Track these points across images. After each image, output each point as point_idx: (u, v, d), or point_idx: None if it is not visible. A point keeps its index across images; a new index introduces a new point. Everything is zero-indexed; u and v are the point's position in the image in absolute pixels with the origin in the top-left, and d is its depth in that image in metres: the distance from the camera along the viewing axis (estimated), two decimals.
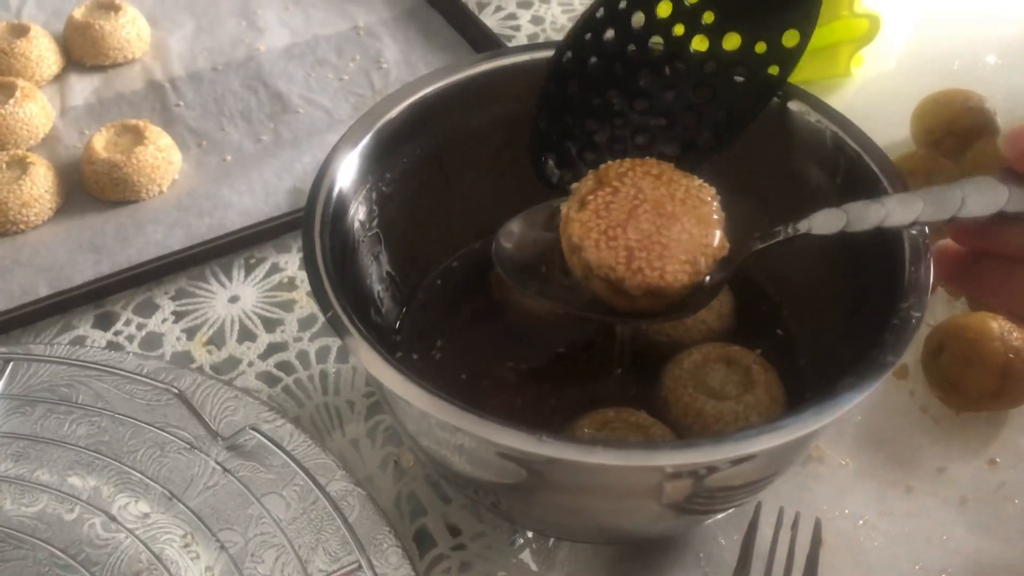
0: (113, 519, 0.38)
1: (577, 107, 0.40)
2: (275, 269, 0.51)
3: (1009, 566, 0.39)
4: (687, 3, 0.38)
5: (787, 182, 0.40)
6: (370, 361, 0.30)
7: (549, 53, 0.41)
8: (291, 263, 0.51)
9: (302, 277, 0.50)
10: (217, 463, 0.39)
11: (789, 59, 0.38)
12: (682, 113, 0.40)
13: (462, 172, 0.44)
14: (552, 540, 0.39)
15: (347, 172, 0.38)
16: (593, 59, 0.39)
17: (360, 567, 0.35)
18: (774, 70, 0.38)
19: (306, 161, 0.55)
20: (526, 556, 0.39)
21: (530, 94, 0.40)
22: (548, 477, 0.30)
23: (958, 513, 0.40)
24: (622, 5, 0.38)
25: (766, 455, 0.30)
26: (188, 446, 0.40)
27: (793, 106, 0.39)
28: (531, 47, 0.45)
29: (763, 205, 0.41)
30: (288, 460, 0.38)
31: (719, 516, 0.38)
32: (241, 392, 0.42)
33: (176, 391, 0.40)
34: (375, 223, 0.40)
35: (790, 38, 0.37)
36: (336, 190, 0.37)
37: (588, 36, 0.38)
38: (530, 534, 0.39)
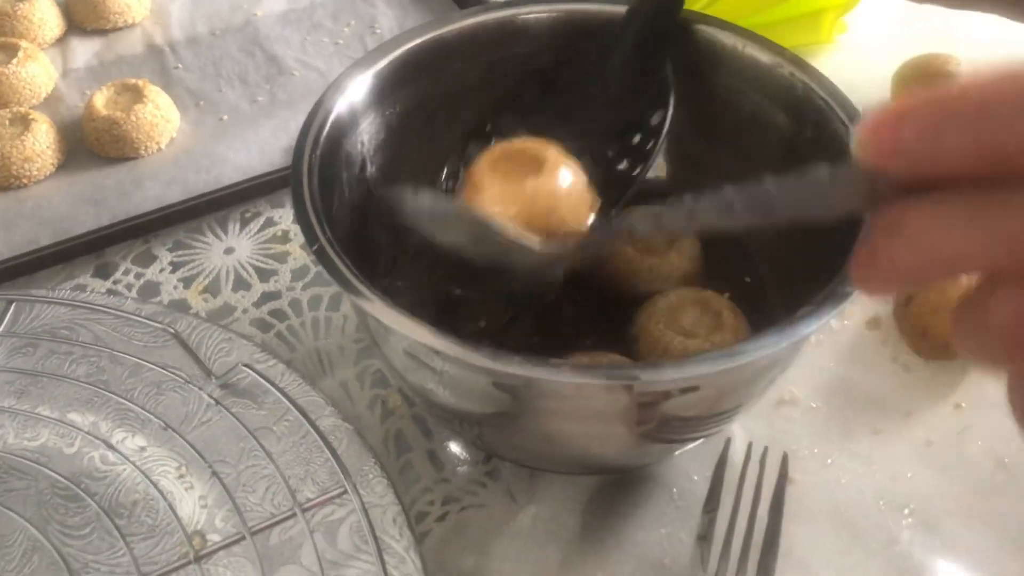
0: (112, 448, 0.40)
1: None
2: (270, 223, 0.52)
3: (969, 504, 0.40)
4: None
5: (761, 133, 0.42)
6: (359, 293, 0.32)
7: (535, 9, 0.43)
8: (285, 217, 0.53)
9: (296, 231, 0.52)
10: (211, 399, 0.41)
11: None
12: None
13: (448, 124, 0.45)
14: (531, 473, 0.41)
15: (340, 114, 0.39)
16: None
17: (346, 492, 0.36)
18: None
19: (300, 120, 0.57)
20: (506, 488, 0.41)
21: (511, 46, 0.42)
22: (524, 401, 0.32)
23: (923, 454, 0.42)
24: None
25: (723, 381, 0.31)
26: (183, 383, 0.42)
27: (766, 59, 0.41)
28: (511, 3, 0.46)
29: (739, 155, 0.43)
30: (280, 396, 0.40)
31: (689, 447, 0.40)
32: (235, 335, 0.44)
33: (172, 331, 0.42)
34: (368, 166, 0.41)
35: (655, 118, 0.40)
36: (325, 133, 0.38)
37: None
38: (510, 468, 0.41)
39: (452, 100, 0.44)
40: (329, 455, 0.38)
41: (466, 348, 0.29)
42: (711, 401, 0.33)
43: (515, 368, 0.29)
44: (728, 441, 0.41)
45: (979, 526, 0.40)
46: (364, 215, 0.41)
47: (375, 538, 0.35)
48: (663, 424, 0.33)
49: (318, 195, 0.36)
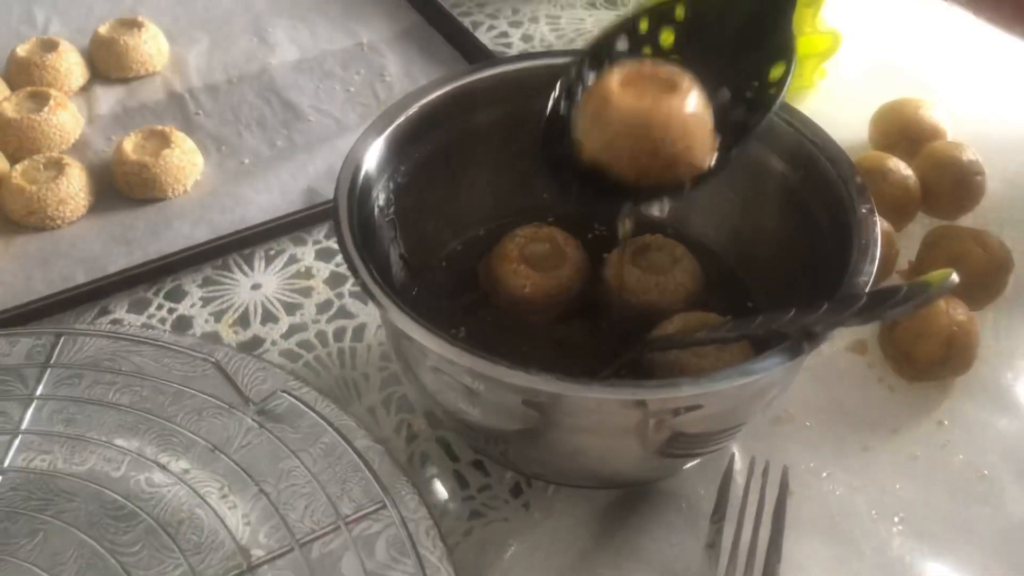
0: (158, 471, 0.43)
1: None
2: (293, 260, 0.55)
3: (953, 513, 0.44)
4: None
5: (760, 176, 0.46)
6: (400, 318, 0.35)
7: (543, 61, 0.47)
8: (307, 254, 0.56)
9: (318, 267, 0.55)
10: (251, 423, 0.44)
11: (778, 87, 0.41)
12: None
13: (466, 168, 0.49)
14: (551, 489, 0.44)
15: (369, 163, 0.43)
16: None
17: (384, 506, 0.39)
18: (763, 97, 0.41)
19: (318, 164, 0.60)
20: (527, 504, 0.44)
21: (526, 97, 0.46)
22: (552, 417, 0.35)
23: (909, 468, 0.46)
24: (643, 24, 0.43)
25: (734, 396, 0.35)
26: (223, 409, 0.44)
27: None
28: (527, 56, 0.50)
29: (736, 194, 0.47)
30: (317, 418, 0.43)
31: (695, 462, 0.43)
32: (268, 364, 0.47)
33: (213, 360, 0.45)
34: (391, 210, 0.45)
35: (777, 70, 0.41)
36: (361, 178, 0.42)
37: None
38: (531, 484, 0.44)
39: (471, 144, 0.48)
40: (366, 472, 0.41)
41: (504, 367, 0.33)
42: (721, 417, 0.37)
43: (549, 385, 0.32)
44: (731, 457, 0.44)
45: (963, 533, 0.43)
46: (389, 251, 0.45)
47: (415, 548, 0.38)
48: (678, 438, 0.37)
49: (357, 233, 0.39)
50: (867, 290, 0.35)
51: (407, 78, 0.68)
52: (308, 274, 0.55)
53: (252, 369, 0.46)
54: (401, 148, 0.45)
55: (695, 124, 0.37)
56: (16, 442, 0.44)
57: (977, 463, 0.46)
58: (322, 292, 0.54)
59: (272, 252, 0.56)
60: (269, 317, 0.52)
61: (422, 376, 0.40)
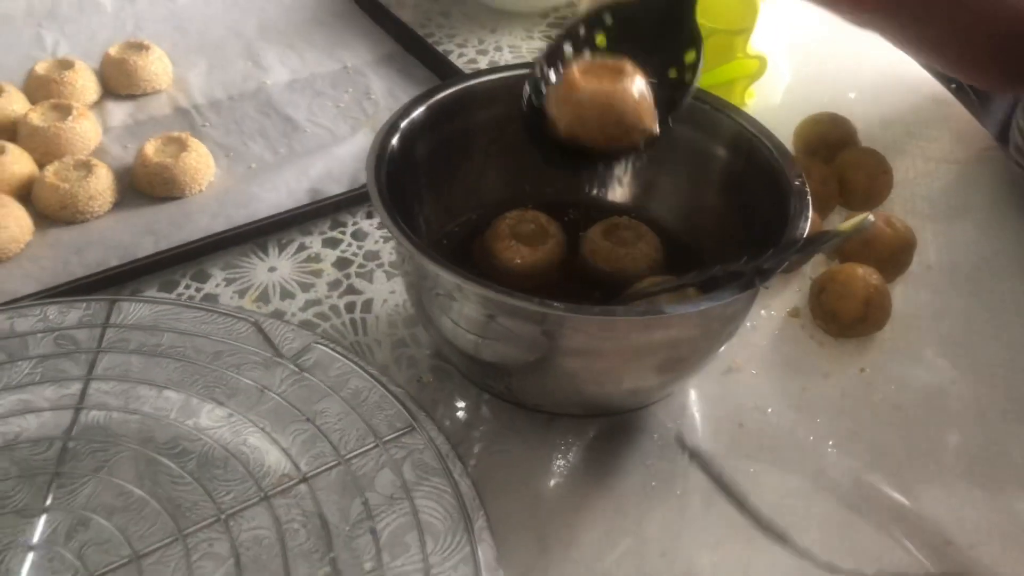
0: (208, 414, 0.49)
1: None
2: (302, 247, 0.63)
3: (874, 435, 0.53)
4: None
5: (705, 163, 0.55)
6: (435, 262, 0.43)
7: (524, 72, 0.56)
8: (315, 243, 0.63)
9: (325, 253, 0.62)
10: (288, 371, 0.51)
11: (692, 70, 0.53)
12: None
13: (460, 161, 0.57)
14: (545, 423, 0.52)
15: (388, 150, 0.51)
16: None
17: (415, 428, 0.47)
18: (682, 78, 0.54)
19: (318, 167, 0.68)
20: (525, 438, 0.51)
21: (508, 103, 0.55)
22: (559, 340, 0.43)
23: (838, 403, 0.55)
24: (581, 30, 0.53)
25: (704, 319, 0.44)
26: (260, 363, 0.51)
27: (712, 109, 0.54)
28: (512, 67, 0.59)
29: (689, 181, 0.56)
30: (345, 367, 0.50)
31: (666, 395, 0.52)
32: (295, 326, 0.54)
33: (252, 321, 0.52)
34: (405, 192, 0.53)
35: (689, 56, 0.53)
36: (385, 163, 0.50)
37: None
38: (527, 421, 0.52)
39: (464, 141, 0.57)
40: (395, 403, 0.48)
41: (529, 301, 0.41)
42: (693, 342, 0.45)
43: (565, 311, 0.40)
44: (689, 395, 0.53)
45: (883, 452, 0.52)
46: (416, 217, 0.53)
47: (444, 462, 0.45)
48: (663, 359, 0.45)
49: (388, 199, 0.47)
50: (804, 236, 0.45)
51: (391, 96, 0.76)
52: (317, 259, 0.62)
53: (283, 331, 0.53)
54: (411, 142, 0.53)
55: (643, 98, 0.50)
56: (89, 387, 0.50)
57: (892, 399, 0.55)
58: (331, 273, 0.61)
59: (284, 241, 0.63)
60: (287, 294, 0.59)
61: (441, 320, 0.47)
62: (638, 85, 0.50)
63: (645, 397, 0.51)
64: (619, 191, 0.60)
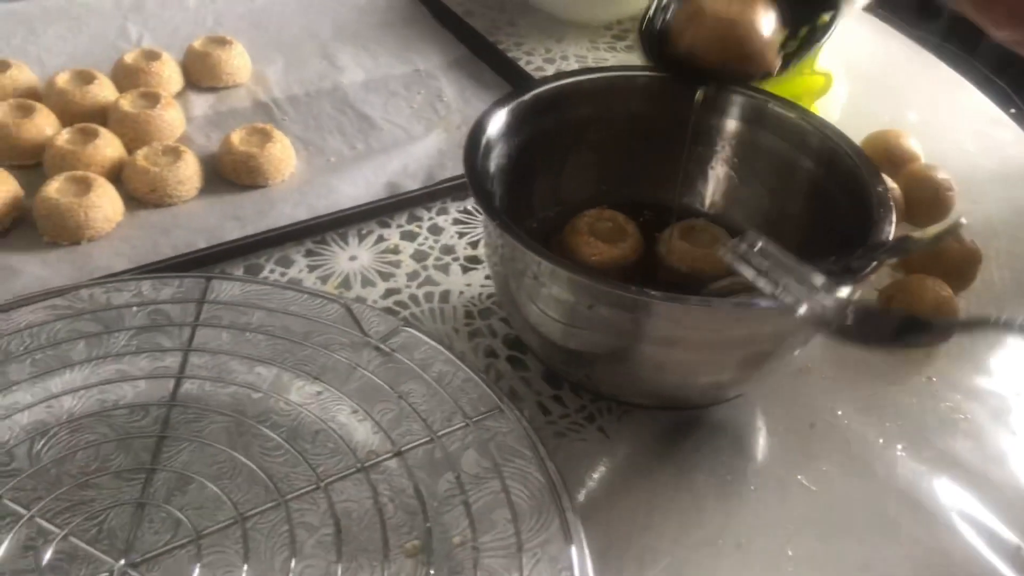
0: (299, 390, 0.51)
1: None
2: (381, 239, 0.65)
3: (943, 443, 0.54)
4: None
5: (788, 172, 0.57)
6: (535, 249, 0.44)
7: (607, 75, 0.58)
8: (393, 235, 0.65)
9: (403, 245, 0.64)
10: (376, 351, 0.52)
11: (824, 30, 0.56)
12: None
13: (543, 161, 0.59)
14: (619, 416, 0.53)
15: (481, 147, 0.52)
16: None
17: (501, 410, 0.48)
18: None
19: (395, 163, 0.70)
20: (601, 427, 0.53)
21: (592, 106, 0.57)
22: (648, 329, 0.45)
23: (907, 409, 0.56)
24: None
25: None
26: (349, 343, 0.53)
27: (790, 115, 0.56)
28: (595, 69, 0.60)
29: (767, 186, 0.57)
30: (431, 349, 0.52)
31: (741, 393, 0.53)
32: (380, 311, 0.55)
33: (343, 302, 0.54)
34: (496, 181, 0.55)
35: (824, 18, 0.56)
36: (479, 158, 0.51)
37: None
38: (603, 413, 0.53)
39: (546, 142, 0.58)
40: (481, 386, 0.50)
41: (626, 289, 0.42)
42: (780, 336, 0.47)
43: (665, 300, 0.42)
44: (763, 395, 0.55)
45: (952, 459, 0.53)
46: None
47: (531, 441, 0.47)
48: (750, 353, 0.47)
49: (481, 188, 0.48)
50: (891, 239, 0.46)
51: (461, 99, 0.78)
52: (396, 250, 0.64)
53: (369, 314, 0.55)
54: (496, 139, 0.55)
55: (769, 31, 0.52)
56: (188, 359, 0.52)
57: (960, 409, 0.56)
58: (409, 264, 0.63)
59: (364, 232, 0.65)
60: (367, 282, 0.61)
61: (528, 307, 0.49)
62: (766, 18, 0.51)
63: (723, 392, 0.53)
64: (697, 195, 0.62)
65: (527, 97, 0.56)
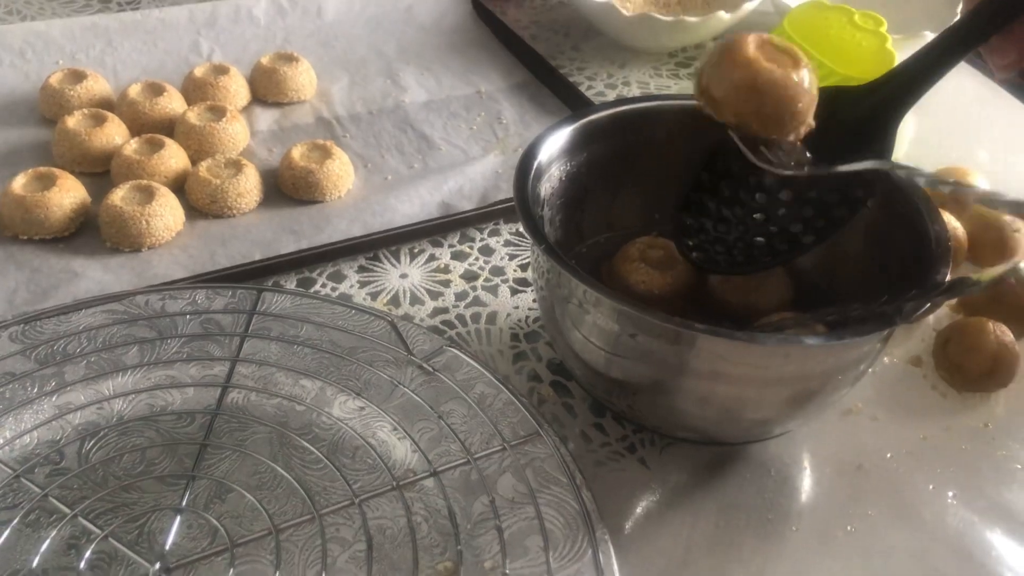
0: (341, 405, 0.51)
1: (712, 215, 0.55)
2: (432, 258, 0.65)
3: (996, 492, 0.52)
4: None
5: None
6: (579, 277, 0.44)
7: (667, 103, 0.57)
8: (444, 255, 0.65)
9: (454, 265, 0.65)
10: (418, 371, 0.53)
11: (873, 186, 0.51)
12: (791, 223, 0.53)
13: (594, 187, 0.59)
14: (661, 448, 0.52)
15: (536, 165, 0.53)
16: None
17: (539, 435, 0.48)
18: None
19: (451, 184, 0.71)
20: (643, 459, 0.52)
21: (648, 134, 0.56)
22: (693, 362, 0.44)
23: (960, 456, 0.54)
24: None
25: (842, 354, 0.44)
26: (392, 361, 0.53)
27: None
28: (652, 97, 0.60)
29: None
30: (472, 371, 0.52)
31: (782, 435, 0.52)
32: (426, 329, 0.56)
33: (389, 320, 0.54)
34: (548, 204, 0.55)
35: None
36: (531, 178, 0.51)
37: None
38: (644, 444, 0.53)
39: (598, 168, 0.58)
40: (521, 408, 0.49)
41: (669, 320, 0.42)
42: (827, 375, 0.46)
43: (709, 333, 0.41)
44: (809, 435, 0.53)
45: (1005, 510, 0.51)
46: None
47: (568, 469, 0.47)
48: (798, 390, 0.46)
49: (530, 212, 0.49)
50: (946, 280, 0.45)
51: (521, 123, 0.79)
52: (446, 270, 0.64)
53: (415, 332, 0.55)
54: (549, 163, 0.55)
55: (810, 88, 0.47)
56: (235, 369, 0.53)
57: (1016, 457, 0.54)
58: (458, 284, 0.63)
59: (415, 250, 0.66)
60: (416, 300, 0.62)
61: (572, 334, 0.49)
62: (807, 76, 0.47)
63: (767, 430, 0.52)
64: None
65: (581, 123, 0.56)
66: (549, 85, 0.83)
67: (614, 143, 0.58)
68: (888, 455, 0.54)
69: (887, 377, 0.59)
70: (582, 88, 0.85)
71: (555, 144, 0.55)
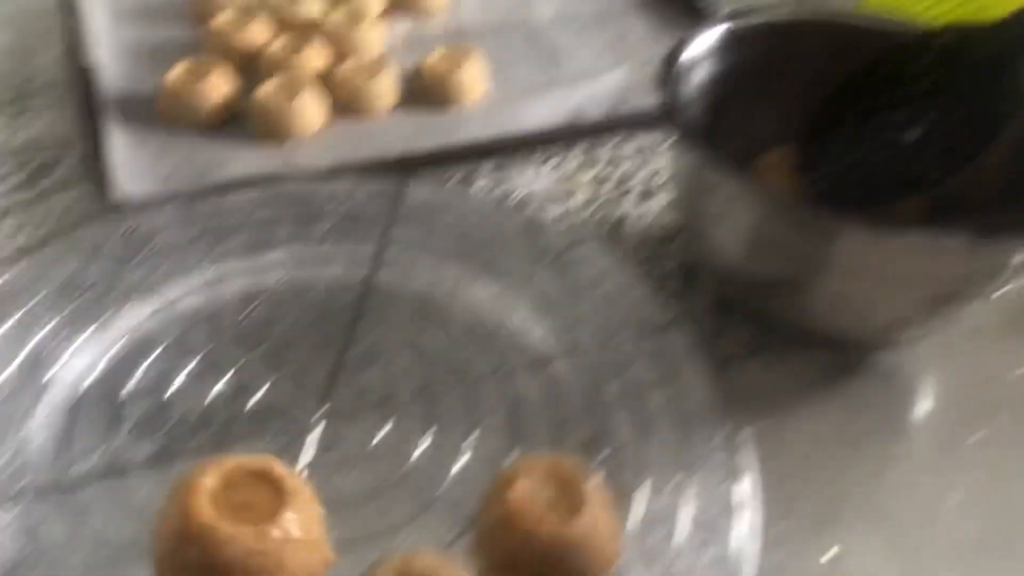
0: (482, 288, 0.54)
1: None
2: (560, 165, 0.67)
3: None
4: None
5: None
6: (728, 170, 0.45)
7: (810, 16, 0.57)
8: (572, 163, 0.67)
9: (582, 172, 0.66)
10: (551, 263, 0.55)
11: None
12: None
13: (738, 95, 0.59)
14: (788, 352, 0.53)
15: (679, 72, 0.53)
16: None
17: (673, 328, 0.50)
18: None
19: (580, 95, 0.71)
20: (765, 362, 0.53)
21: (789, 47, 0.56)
22: (838, 256, 0.45)
23: None
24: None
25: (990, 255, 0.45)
26: (530, 252, 0.55)
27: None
28: (795, 11, 0.60)
29: None
30: (609, 262, 0.54)
31: (917, 338, 0.53)
32: (561, 226, 0.57)
33: (526, 214, 0.57)
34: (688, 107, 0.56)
35: None
36: (673, 79, 0.52)
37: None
38: (770, 348, 0.54)
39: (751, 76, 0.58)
40: (655, 300, 0.51)
41: (823, 213, 0.43)
42: (972, 278, 0.46)
43: (861, 225, 0.42)
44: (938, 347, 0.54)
45: None
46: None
47: (699, 360, 0.48)
48: (938, 295, 0.46)
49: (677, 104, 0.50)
50: None
51: (650, 37, 0.79)
52: (573, 177, 0.66)
53: (551, 227, 0.57)
54: (689, 69, 0.55)
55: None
56: (381, 252, 0.55)
57: None
58: (585, 191, 0.65)
59: (545, 156, 0.67)
60: (543, 206, 0.63)
61: (712, 232, 0.50)
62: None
63: (898, 334, 0.52)
64: None
65: (726, 28, 0.57)
66: (678, 3, 0.83)
67: (758, 53, 0.58)
68: (1019, 371, 0.54)
69: (1018, 297, 0.58)
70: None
71: (697, 49, 0.56)
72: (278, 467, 0.35)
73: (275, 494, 0.34)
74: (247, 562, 0.31)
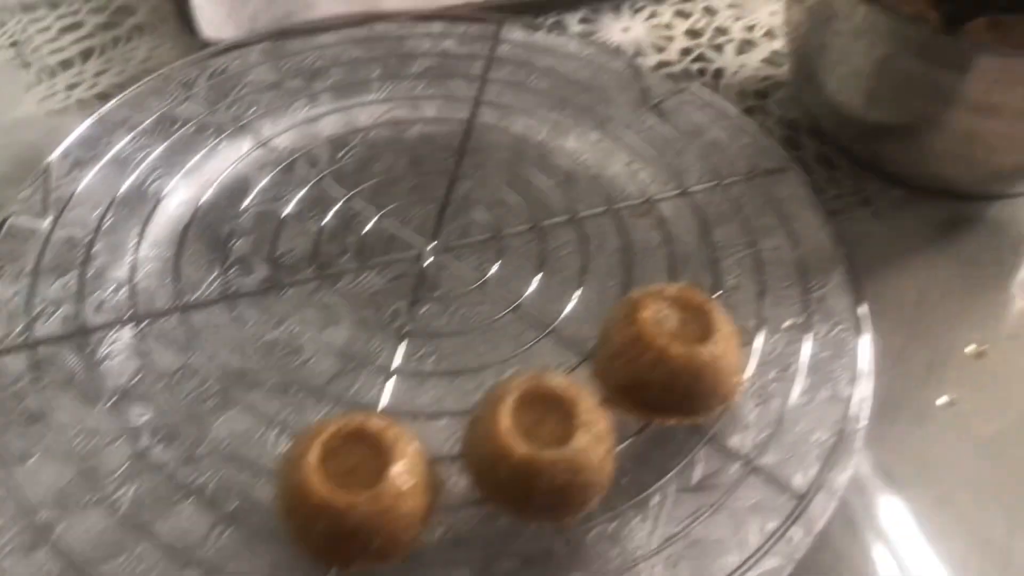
0: (578, 136, 0.52)
1: None
2: (654, 14, 0.64)
3: None
4: None
5: None
6: None
7: None
8: (667, 12, 0.64)
9: (676, 22, 0.63)
10: (654, 108, 0.53)
11: None
12: None
13: None
14: (898, 202, 0.52)
15: None
16: None
17: (784, 171, 0.48)
18: None
19: None
20: (876, 212, 0.52)
21: None
22: (969, 91, 0.43)
23: None
24: None
25: None
26: (630, 98, 0.54)
27: None
28: None
29: None
30: (713, 108, 0.52)
31: None
32: (659, 74, 0.55)
33: (627, 60, 0.54)
34: None
35: None
36: None
37: None
38: (879, 197, 0.52)
39: None
40: (766, 142, 0.50)
41: (958, 39, 0.41)
42: None
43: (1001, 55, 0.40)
44: None
45: None
46: None
47: (815, 203, 0.47)
48: None
49: None
50: None
51: None
52: (669, 26, 0.63)
53: (652, 74, 0.55)
54: None
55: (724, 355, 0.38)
56: (479, 95, 0.54)
57: None
58: (682, 41, 0.62)
59: (638, 5, 0.64)
60: (639, 54, 0.61)
61: (830, 72, 0.48)
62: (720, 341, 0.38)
63: (1015, 182, 0.50)
64: None
65: None
66: None
67: None
68: None
69: None
70: None
71: None
72: (370, 422, 0.35)
73: (376, 452, 0.34)
74: (370, 523, 0.33)
